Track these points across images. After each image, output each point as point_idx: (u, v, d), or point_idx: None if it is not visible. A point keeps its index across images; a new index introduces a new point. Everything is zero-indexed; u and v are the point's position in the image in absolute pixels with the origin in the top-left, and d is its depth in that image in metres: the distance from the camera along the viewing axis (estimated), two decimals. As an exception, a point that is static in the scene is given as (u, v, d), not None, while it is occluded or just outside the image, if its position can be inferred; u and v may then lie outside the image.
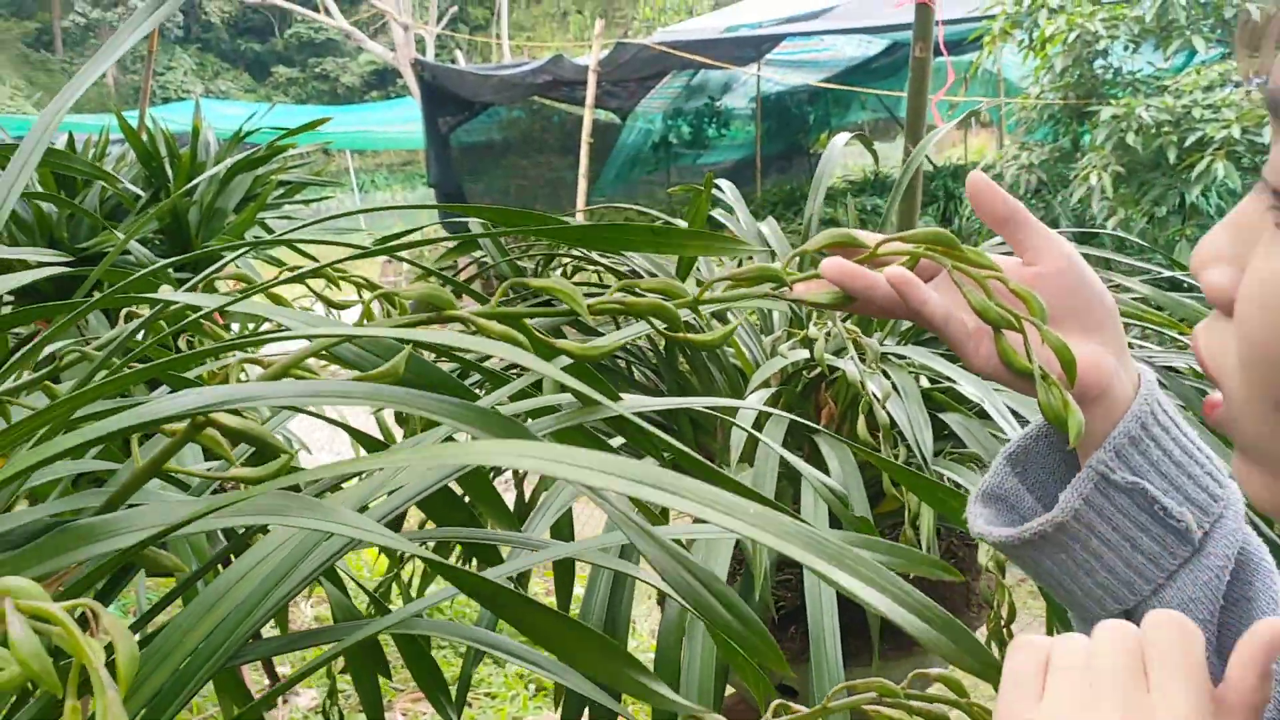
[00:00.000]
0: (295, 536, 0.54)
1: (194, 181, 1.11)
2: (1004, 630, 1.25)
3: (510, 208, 0.67)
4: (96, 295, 0.79)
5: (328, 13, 17.70)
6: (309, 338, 0.53)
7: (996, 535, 0.58)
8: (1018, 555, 0.59)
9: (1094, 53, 5.87)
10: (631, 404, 0.75)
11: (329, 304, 0.63)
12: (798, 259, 0.64)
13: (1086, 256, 0.74)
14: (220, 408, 0.42)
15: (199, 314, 0.49)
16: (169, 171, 1.87)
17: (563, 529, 1.26)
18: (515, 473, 1.32)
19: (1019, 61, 6.70)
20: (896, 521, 1.31)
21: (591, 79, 8.41)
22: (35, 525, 0.55)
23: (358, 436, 0.60)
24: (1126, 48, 5.88)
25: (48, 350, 0.59)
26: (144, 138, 1.95)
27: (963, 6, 7.40)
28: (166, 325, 0.59)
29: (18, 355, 0.55)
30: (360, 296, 0.65)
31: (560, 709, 1.03)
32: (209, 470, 0.60)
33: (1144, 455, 0.57)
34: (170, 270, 1.02)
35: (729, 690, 1.50)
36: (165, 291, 0.54)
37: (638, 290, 0.66)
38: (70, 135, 2.12)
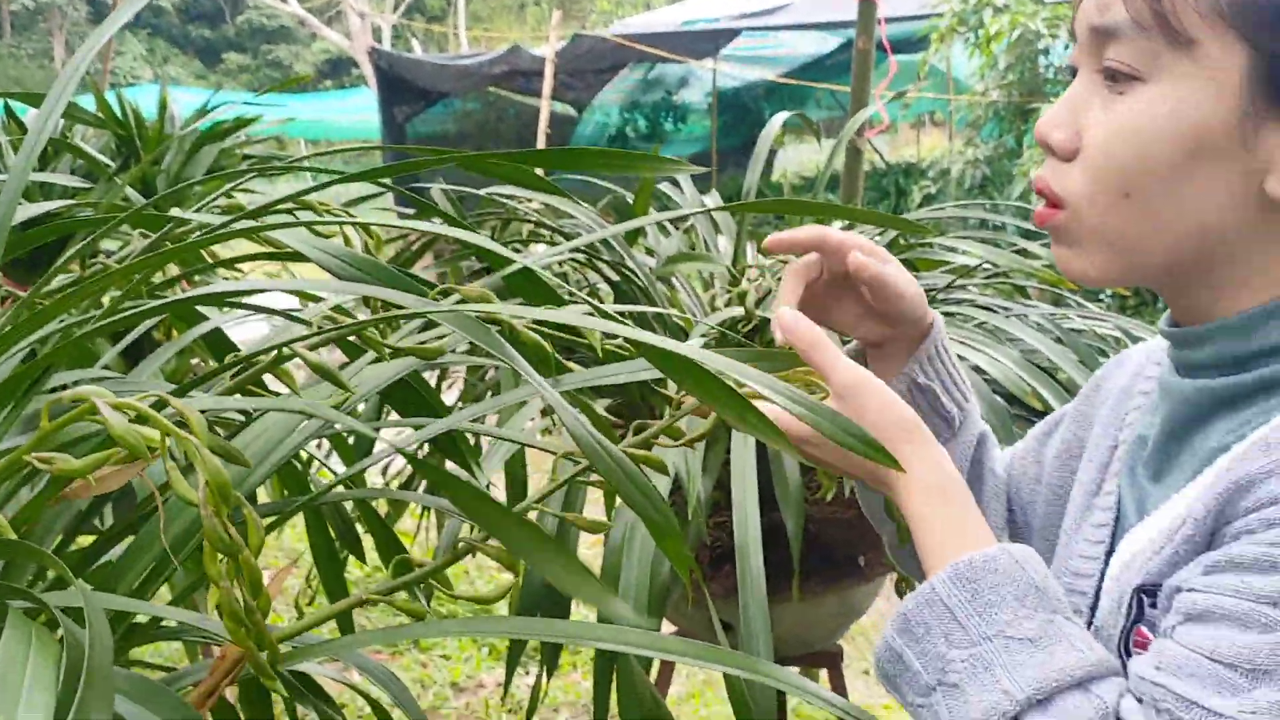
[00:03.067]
0: (280, 421, 0.63)
1: (162, 147, 1.19)
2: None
3: (466, 153, 0.76)
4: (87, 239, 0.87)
5: (283, -1, 17.60)
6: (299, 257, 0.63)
7: None
8: None
9: (1036, 51, 6.05)
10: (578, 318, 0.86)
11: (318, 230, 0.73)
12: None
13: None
14: (249, 294, 0.52)
15: (214, 232, 0.58)
16: (138, 143, 1.94)
17: (515, 468, 1.36)
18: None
19: (968, 59, 6.87)
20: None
21: (549, 70, 8.49)
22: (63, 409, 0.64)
23: (341, 342, 0.69)
24: (1067, 47, 6.07)
25: (59, 264, 0.68)
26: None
27: (913, 3, 7.57)
28: (171, 244, 0.68)
29: (53, 269, 0.64)
30: (341, 231, 0.74)
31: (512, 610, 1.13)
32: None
33: (933, 368, 0.87)
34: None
35: (672, 628, 1.61)
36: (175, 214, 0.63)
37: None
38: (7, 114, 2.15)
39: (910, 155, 11.38)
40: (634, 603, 1.07)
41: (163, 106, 2.08)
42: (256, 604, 0.45)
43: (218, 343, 0.93)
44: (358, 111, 14.27)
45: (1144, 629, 0.68)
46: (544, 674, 1.27)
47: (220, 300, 0.57)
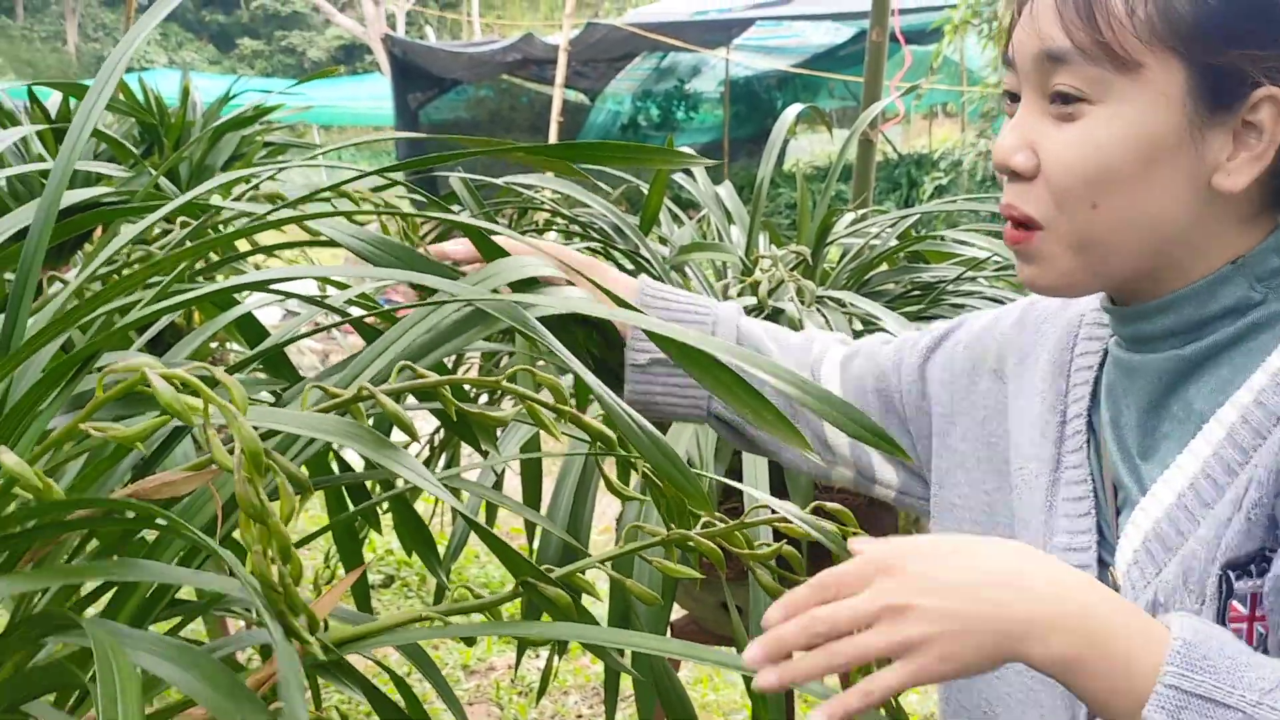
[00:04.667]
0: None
1: (195, 137, 1.21)
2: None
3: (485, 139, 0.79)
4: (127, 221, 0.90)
5: (297, -15, 17.59)
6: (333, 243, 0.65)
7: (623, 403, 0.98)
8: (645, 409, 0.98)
9: (1051, 44, 6.04)
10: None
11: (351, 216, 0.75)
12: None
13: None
14: (279, 280, 0.54)
15: (256, 219, 0.61)
16: (161, 130, 1.96)
17: (530, 450, 1.39)
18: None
19: (981, 51, 6.86)
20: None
21: (562, 58, 8.50)
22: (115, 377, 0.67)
23: (360, 327, 0.72)
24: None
25: (106, 253, 0.70)
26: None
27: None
28: (213, 233, 0.71)
29: (87, 254, 0.67)
30: (379, 219, 0.77)
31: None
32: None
33: (658, 307, 0.98)
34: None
35: (682, 612, 1.64)
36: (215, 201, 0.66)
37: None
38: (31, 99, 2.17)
39: (922, 146, 11.37)
40: (647, 580, 1.09)
41: (185, 94, 2.10)
42: (288, 570, 0.48)
43: (245, 326, 0.96)
44: (371, 98, 14.27)
45: (1236, 604, 0.69)
46: (554, 657, 1.30)
47: (262, 286, 0.60)
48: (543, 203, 1.73)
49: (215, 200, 0.68)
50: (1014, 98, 0.78)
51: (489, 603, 0.63)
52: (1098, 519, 0.79)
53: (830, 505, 0.75)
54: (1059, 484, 0.82)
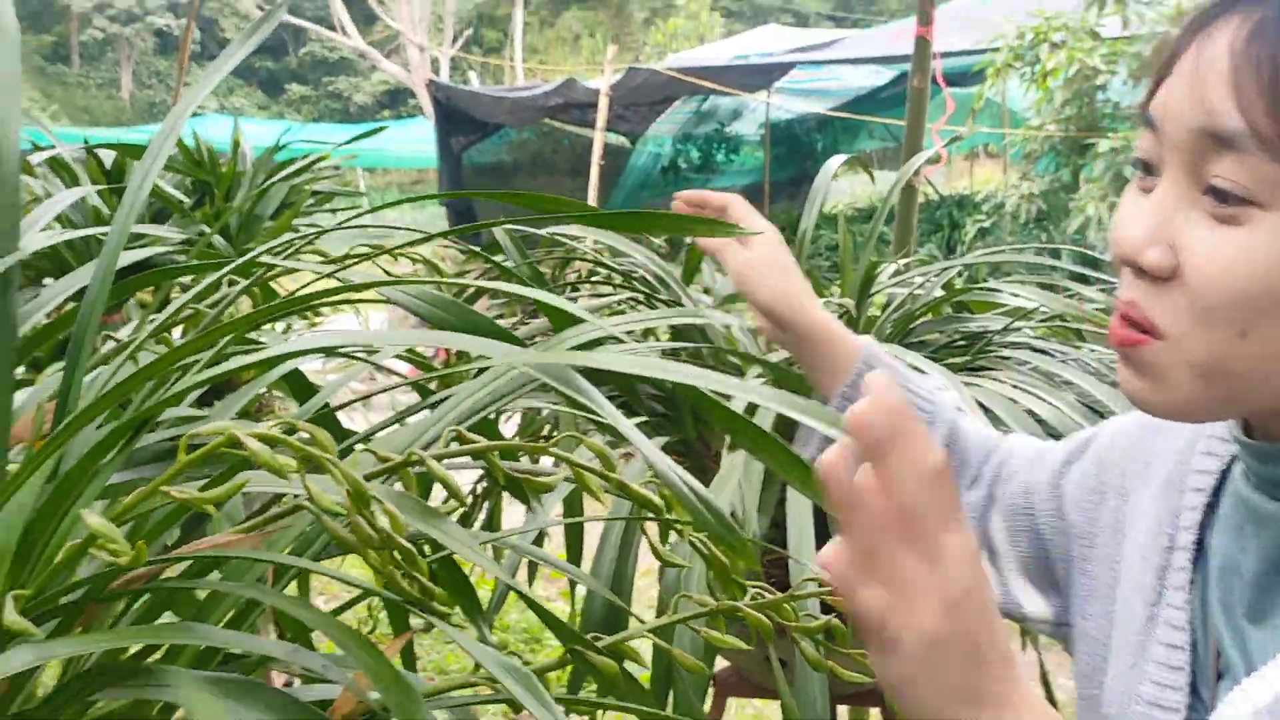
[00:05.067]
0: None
1: (258, 190, 1.24)
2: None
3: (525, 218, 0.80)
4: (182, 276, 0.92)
5: (344, 32, 17.96)
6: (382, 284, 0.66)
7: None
8: None
9: (1094, 87, 6.03)
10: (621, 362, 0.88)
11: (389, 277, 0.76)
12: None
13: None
14: (339, 348, 0.55)
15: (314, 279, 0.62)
16: (212, 180, 2.01)
17: (574, 505, 1.39)
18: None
19: (1023, 94, 6.86)
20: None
21: (603, 102, 8.58)
22: (159, 447, 0.68)
23: (421, 390, 0.73)
24: (1126, 82, 6.04)
25: (163, 314, 0.72)
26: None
27: (970, 38, 7.56)
28: (260, 291, 0.72)
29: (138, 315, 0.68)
30: (416, 273, 0.78)
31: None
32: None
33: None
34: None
35: (725, 663, 1.63)
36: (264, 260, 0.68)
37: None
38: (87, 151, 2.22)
39: (963, 187, 11.34)
40: (689, 643, 1.09)
41: (235, 145, 2.15)
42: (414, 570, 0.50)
43: (291, 378, 0.97)
44: (415, 141, 14.46)
45: None
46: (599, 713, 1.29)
47: (330, 352, 0.61)
48: (585, 253, 1.74)
49: (266, 259, 0.69)
50: (1148, 168, 0.64)
51: (537, 669, 0.63)
52: (1193, 678, 0.67)
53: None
54: (1156, 623, 0.70)
